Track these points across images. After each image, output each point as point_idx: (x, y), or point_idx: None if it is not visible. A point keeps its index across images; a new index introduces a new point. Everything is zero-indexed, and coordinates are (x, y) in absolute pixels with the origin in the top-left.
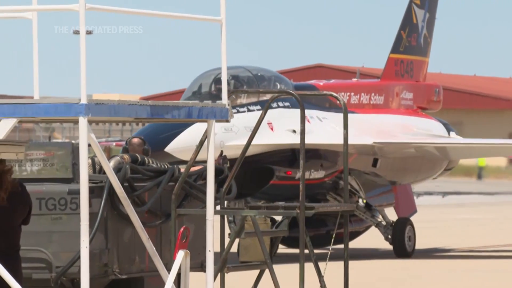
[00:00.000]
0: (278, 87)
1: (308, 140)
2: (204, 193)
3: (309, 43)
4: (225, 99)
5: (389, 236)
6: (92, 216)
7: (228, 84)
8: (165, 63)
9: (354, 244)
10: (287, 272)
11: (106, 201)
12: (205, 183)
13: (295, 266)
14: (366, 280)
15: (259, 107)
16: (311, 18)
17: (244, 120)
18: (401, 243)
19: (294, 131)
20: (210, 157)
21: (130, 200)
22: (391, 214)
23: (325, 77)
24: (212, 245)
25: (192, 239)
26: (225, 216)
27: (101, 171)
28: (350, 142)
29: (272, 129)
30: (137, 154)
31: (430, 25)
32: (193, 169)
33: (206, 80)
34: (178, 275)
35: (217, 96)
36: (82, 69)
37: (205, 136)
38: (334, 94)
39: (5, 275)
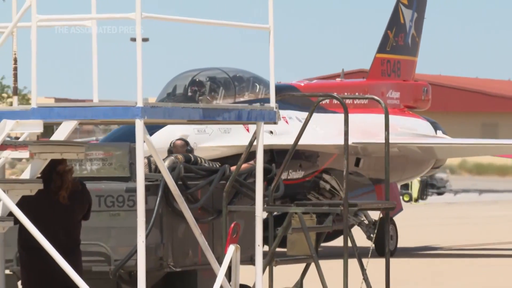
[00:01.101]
0: (257, 87)
1: (286, 140)
2: (253, 191)
3: (353, 49)
4: (273, 102)
5: (372, 235)
6: (148, 213)
7: (204, 85)
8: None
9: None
10: (331, 266)
11: (161, 199)
12: (254, 182)
13: (339, 262)
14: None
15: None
16: (347, 17)
17: None
18: (383, 242)
19: (271, 132)
20: (259, 156)
21: (183, 197)
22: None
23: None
24: (261, 240)
25: (242, 234)
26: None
27: (157, 170)
28: (329, 142)
29: (248, 130)
30: (190, 154)
31: (418, 25)
32: (243, 167)
33: (181, 82)
34: (229, 268)
35: (192, 98)
36: (138, 74)
37: (254, 137)
38: (376, 97)
39: (66, 268)
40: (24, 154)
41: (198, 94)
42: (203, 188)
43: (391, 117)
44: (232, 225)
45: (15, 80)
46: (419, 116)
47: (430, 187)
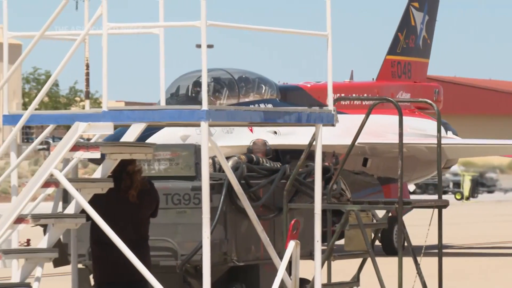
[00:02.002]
0: (263, 89)
1: (290, 141)
2: (312, 189)
3: (363, 51)
4: (330, 105)
5: (379, 234)
6: (213, 210)
7: (208, 86)
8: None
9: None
10: (386, 261)
11: (225, 197)
12: (313, 181)
13: (392, 259)
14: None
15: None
16: (443, 29)
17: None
18: (389, 241)
19: (275, 132)
20: (318, 157)
21: (246, 195)
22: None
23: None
24: (320, 236)
25: (302, 231)
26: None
27: (221, 169)
28: (335, 142)
29: (251, 130)
30: (252, 155)
31: (429, 27)
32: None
33: (184, 82)
34: (289, 262)
35: (195, 98)
36: (203, 79)
37: (313, 138)
38: (429, 101)
39: (135, 262)
40: (96, 154)
41: (201, 95)
42: (264, 187)
43: (403, 118)
44: (292, 222)
45: (87, 85)
46: (430, 117)
47: (480, 185)
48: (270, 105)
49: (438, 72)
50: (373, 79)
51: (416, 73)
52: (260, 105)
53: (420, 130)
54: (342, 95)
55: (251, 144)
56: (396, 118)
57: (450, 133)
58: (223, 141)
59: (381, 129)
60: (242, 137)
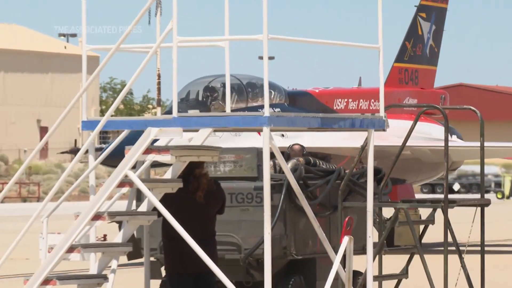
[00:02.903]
0: (272, 94)
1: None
2: (365, 189)
3: (451, 63)
4: (382, 112)
5: (383, 232)
6: (273, 208)
7: (216, 91)
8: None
9: None
10: (431, 257)
11: (285, 196)
12: (366, 181)
13: (439, 256)
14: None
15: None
16: (453, 38)
17: None
18: (391, 239)
19: (283, 135)
20: (370, 159)
21: (304, 195)
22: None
23: (466, 96)
24: (372, 232)
25: (355, 227)
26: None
27: (281, 171)
28: (339, 145)
29: (259, 133)
30: (310, 157)
31: (436, 36)
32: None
33: (194, 88)
34: (344, 256)
35: (204, 103)
36: (265, 89)
37: (366, 142)
38: (473, 108)
39: (202, 255)
40: (166, 157)
41: (211, 99)
42: (321, 187)
43: (406, 122)
44: (347, 219)
45: (159, 93)
46: (435, 122)
47: None
48: (278, 109)
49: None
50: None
51: (423, 80)
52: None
53: (426, 133)
54: (350, 100)
55: (288, 149)
56: (402, 122)
57: (454, 137)
58: (231, 144)
59: (385, 133)
60: (249, 140)
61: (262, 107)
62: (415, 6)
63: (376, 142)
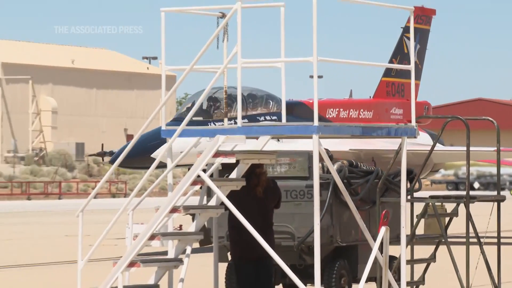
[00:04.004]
0: (271, 104)
1: (291, 147)
2: (399, 187)
3: (471, 79)
4: (413, 122)
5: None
6: (322, 203)
7: (219, 101)
8: None
9: None
10: (456, 244)
11: (331, 193)
12: (400, 180)
13: (461, 247)
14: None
15: (246, 120)
16: (472, 55)
17: None
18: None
19: (278, 140)
20: (403, 161)
21: (347, 191)
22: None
23: (484, 109)
24: (405, 223)
25: (391, 219)
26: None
27: (328, 171)
28: (345, 148)
29: (257, 138)
30: (352, 160)
31: (420, 54)
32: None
33: (199, 98)
34: (381, 244)
35: (208, 111)
36: (315, 101)
37: (399, 147)
38: (490, 118)
39: (262, 242)
40: (232, 160)
41: (213, 108)
42: (362, 185)
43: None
44: (384, 212)
45: (226, 106)
46: (421, 129)
47: None
48: (275, 118)
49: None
50: (370, 96)
51: (409, 93)
52: (266, 117)
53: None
54: (341, 110)
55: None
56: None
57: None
58: (227, 148)
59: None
60: (251, 144)
61: (260, 115)
62: (401, 27)
63: (366, 146)
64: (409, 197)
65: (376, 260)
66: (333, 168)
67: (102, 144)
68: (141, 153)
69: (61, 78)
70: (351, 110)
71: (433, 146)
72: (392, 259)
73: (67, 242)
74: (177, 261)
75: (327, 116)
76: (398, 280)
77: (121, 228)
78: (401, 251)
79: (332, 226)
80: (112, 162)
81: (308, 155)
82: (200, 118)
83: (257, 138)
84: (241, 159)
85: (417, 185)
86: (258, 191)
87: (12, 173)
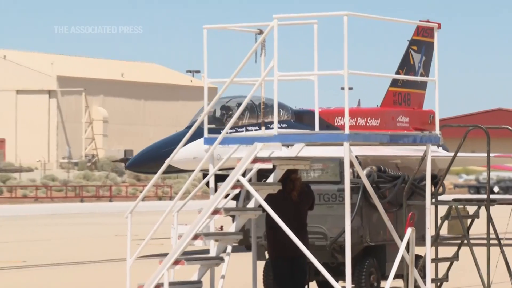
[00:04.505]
0: (281, 112)
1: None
2: (424, 191)
3: (491, 89)
4: (437, 130)
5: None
6: (352, 205)
7: (231, 109)
8: None
9: None
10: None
11: (361, 196)
12: (425, 185)
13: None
14: None
15: (257, 127)
16: (493, 66)
17: None
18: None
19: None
20: (428, 167)
21: (376, 195)
22: None
23: (504, 118)
24: (429, 224)
25: (417, 221)
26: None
27: (358, 176)
28: (336, 155)
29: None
30: (381, 166)
31: (426, 66)
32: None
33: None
34: (408, 243)
35: (220, 120)
36: (346, 113)
37: (425, 154)
38: (509, 127)
39: (297, 241)
40: (269, 165)
41: (226, 116)
42: (389, 189)
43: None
44: (410, 214)
45: (263, 115)
46: None
47: None
48: (285, 125)
49: None
50: (377, 105)
51: (414, 102)
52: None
53: (415, 146)
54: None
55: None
56: None
57: (440, 149)
58: (243, 153)
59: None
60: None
61: (271, 123)
62: (407, 40)
63: (371, 152)
64: (433, 200)
65: (403, 259)
66: (363, 173)
67: (125, 151)
68: (156, 159)
69: (111, 90)
70: (359, 118)
71: (456, 152)
72: (417, 257)
73: (117, 242)
74: (219, 259)
75: (335, 124)
76: (423, 277)
77: (166, 228)
78: (426, 250)
79: (362, 227)
80: (127, 167)
81: (340, 161)
82: (213, 126)
83: (292, 145)
84: (277, 165)
85: (441, 189)
86: (294, 195)
87: (67, 177)
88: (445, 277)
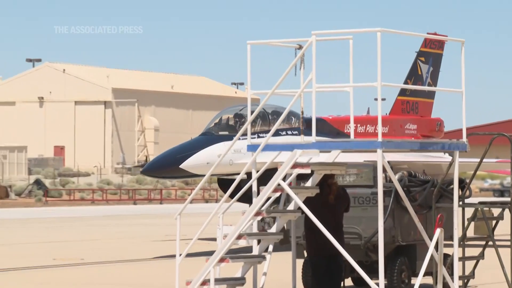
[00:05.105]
0: (293, 120)
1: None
2: (452, 194)
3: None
4: (464, 138)
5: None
6: (385, 208)
7: (244, 117)
8: None
9: None
10: (502, 244)
11: (393, 199)
12: (453, 188)
13: (507, 244)
14: None
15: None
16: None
17: None
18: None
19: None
20: (456, 172)
21: (407, 198)
22: None
23: None
24: (457, 225)
25: (445, 222)
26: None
27: (390, 181)
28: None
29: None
30: (411, 171)
31: (434, 76)
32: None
33: (226, 114)
34: (437, 243)
35: (233, 127)
36: (378, 120)
37: (452, 161)
38: None
39: (333, 241)
40: (307, 170)
41: (239, 124)
42: (419, 192)
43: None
44: (439, 216)
45: (302, 124)
46: None
47: None
48: (296, 132)
49: None
50: (386, 113)
51: (422, 110)
52: (288, 132)
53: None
54: (358, 125)
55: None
56: None
57: (446, 154)
58: (248, 159)
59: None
60: (270, 155)
61: (282, 130)
62: (415, 52)
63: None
64: (460, 203)
65: (432, 257)
66: (395, 178)
67: (146, 156)
68: (170, 165)
69: (162, 101)
70: (368, 125)
71: (482, 158)
72: (446, 256)
73: (167, 241)
74: (261, 258)
75: (345, 131)
76: (451, 274)
77: (212, 229)
78: (454, 249)
79: (394, 227)
80: (142, 172)
81: (373, 166)
82: (226, 133)
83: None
84: (315, 170)
85: (467, 193)
86: (330, 198)
87: (121, 181)
88: (472, 275)
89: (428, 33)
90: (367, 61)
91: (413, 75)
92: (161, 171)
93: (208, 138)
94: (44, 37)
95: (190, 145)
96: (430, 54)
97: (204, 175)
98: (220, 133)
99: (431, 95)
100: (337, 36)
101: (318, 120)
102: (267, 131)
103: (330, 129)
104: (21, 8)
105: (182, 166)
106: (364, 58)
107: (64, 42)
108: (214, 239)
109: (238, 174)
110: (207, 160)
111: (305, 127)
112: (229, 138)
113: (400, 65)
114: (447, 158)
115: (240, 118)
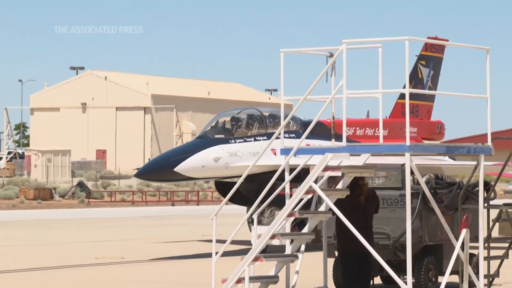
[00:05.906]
0: (290, 123)
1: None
2: (478, 196)
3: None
4: (489, 142)
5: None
6: (413, 209)
7: (240, 120)
8: None
9: None
10: None
11: (421, 200)
12: (478, 190)
13: None
14: None
15: (265, 137)
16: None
17: (249, 147)
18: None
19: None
20: (481, 175)
21: (434, 200)
22: None
23: None
24: (482, 226)
25: (471, 223)
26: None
27: (418, 183)
28: (345, 164)
29: (275, 153)
30: (438, 173)
31: (434, 79)
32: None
33: (223, 117)
34: (463, 243)
35: (230, 130)
36: (407, 125)
37: (477, 164)
38: None
39: (363, 240)
40: (338, 173)
41: (235, 127)
42: (446, 194)
43: None
44: (464, 217)
45: (333, 128)
46: None
47: None
48: (293, 135)
49: None
50: (386, 116)
51: (423, 113)
52: (285, 135)
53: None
54: (357, 128)
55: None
56: None
57: (446, 157)
58: (250, 161)
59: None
60: (265, 158)
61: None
62: (416, 55)
63: (382, 161)
64: (485, 204)
65: (458, 257)
66: (422, 180)
67: (149, 159)
68: (164, 168)
69: (199, 106)
70: (367, 128)
71: (506, 163)
72: (471, 256)
73: (203, 241)
74: (293, 256)
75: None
76: (476, 273)
77: (247, 229)
78: (479, 249)
79: (421, 228)
80: (136, 175)
81: (401, 169)
82: (222, 136)
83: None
84: (346, 173)
85: (492, 195)
86: (361, 199)
87: (160, 184)
88: (496, 273)
89: (428, 37)
90: (375, 66)
91: (414, 79)
92: (155, 175)
93: (203, 142)
94: (87, 46)
95: (185, 148)
96: (431, 58)
97: (199, 178)
98: (216, 136)
99: (431, 98)
100: (367, 44)
101: (316, 123)
102: (264, 134)
103: (328, 132)
104: (65, 19)
105: (176, 169)
106: (372, 64)
107: (106, 51)
108: (249, 239)
109: (235, 177)
110: (202, 163)
111: (302, 130)
112: (225, 141)
113: (400, 68)
114: (448, 161)
115: (236, 121)
